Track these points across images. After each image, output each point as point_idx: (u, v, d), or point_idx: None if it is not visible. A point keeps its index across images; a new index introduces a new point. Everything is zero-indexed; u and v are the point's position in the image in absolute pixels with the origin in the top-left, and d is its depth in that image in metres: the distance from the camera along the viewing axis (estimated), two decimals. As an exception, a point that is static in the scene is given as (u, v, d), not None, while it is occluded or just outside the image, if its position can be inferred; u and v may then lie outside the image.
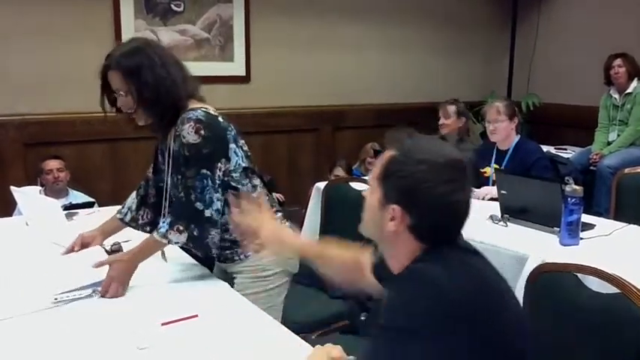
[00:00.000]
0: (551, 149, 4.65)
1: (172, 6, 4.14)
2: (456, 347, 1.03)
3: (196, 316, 1.60)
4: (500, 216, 2.60)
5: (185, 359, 1.39)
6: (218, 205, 1.79)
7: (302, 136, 4.80)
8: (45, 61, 3.81)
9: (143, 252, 1.82)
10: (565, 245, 2.27)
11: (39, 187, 2.49)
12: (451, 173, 1.12)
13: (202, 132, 1.75)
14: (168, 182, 1.92)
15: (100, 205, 3.34)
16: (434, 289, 1.05)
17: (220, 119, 1.86)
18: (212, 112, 1.85)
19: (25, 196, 2.42)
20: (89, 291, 1.72)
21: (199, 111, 1.80)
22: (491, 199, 2.91)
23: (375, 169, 1.20)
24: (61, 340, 1.47)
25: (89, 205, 3.11)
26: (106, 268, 1.78)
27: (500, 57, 5.73)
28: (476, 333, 1.04)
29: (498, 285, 1.14)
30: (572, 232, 2.26)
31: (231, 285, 1.88)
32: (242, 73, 4.47)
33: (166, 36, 4.14)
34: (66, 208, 2.68)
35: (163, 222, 1.80)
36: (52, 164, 3.57)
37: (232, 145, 1.84)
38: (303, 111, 4.74)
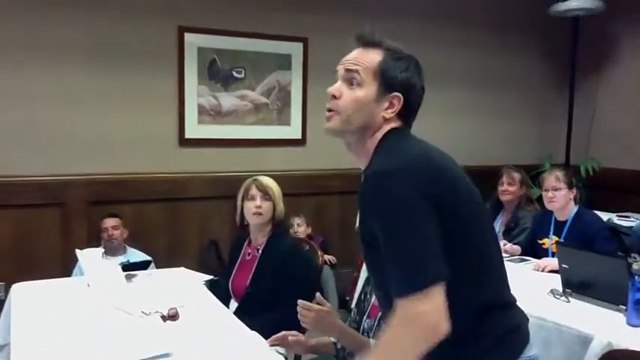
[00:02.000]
0: (613, 217, 4.49)
1: (234, 73, 4.29)
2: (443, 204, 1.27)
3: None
4: (561, 291, 2.51)
5: None
6: None
7: (354, 198, 4.76)
8: (112, 124, 3.98)
9: (349, 338, 1.91)
10: (633, 326, 2.16)
11: (101, 250, 2.59)
12: (419, 68, 1.43)
13: None
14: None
15: (156, 263, 3.42)
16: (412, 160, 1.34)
17: None
18: None
19: (88, 258, 2.50)
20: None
21: None
22: (551, 271, 2.83)
23: (358, 67, 1.40)
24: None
25: (146, 264, 3.17)
26: (169, 342, 1.84)
27: (558, 120, 5.64)
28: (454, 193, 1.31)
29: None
30: (641, 311, 2.15)
31: None
32: (298, 136, 4.55)
33: (227, 101, 4.29)
34: (124, 266, 2.75)
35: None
36: (109, 222, 3.71)
37: None
38: (356, 174, 4.73)
